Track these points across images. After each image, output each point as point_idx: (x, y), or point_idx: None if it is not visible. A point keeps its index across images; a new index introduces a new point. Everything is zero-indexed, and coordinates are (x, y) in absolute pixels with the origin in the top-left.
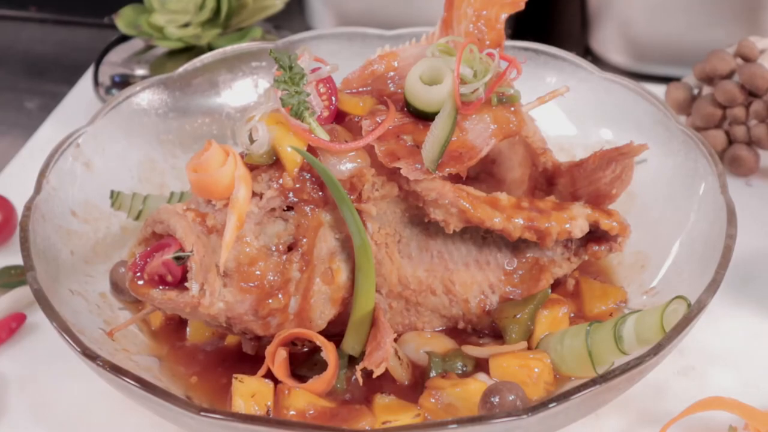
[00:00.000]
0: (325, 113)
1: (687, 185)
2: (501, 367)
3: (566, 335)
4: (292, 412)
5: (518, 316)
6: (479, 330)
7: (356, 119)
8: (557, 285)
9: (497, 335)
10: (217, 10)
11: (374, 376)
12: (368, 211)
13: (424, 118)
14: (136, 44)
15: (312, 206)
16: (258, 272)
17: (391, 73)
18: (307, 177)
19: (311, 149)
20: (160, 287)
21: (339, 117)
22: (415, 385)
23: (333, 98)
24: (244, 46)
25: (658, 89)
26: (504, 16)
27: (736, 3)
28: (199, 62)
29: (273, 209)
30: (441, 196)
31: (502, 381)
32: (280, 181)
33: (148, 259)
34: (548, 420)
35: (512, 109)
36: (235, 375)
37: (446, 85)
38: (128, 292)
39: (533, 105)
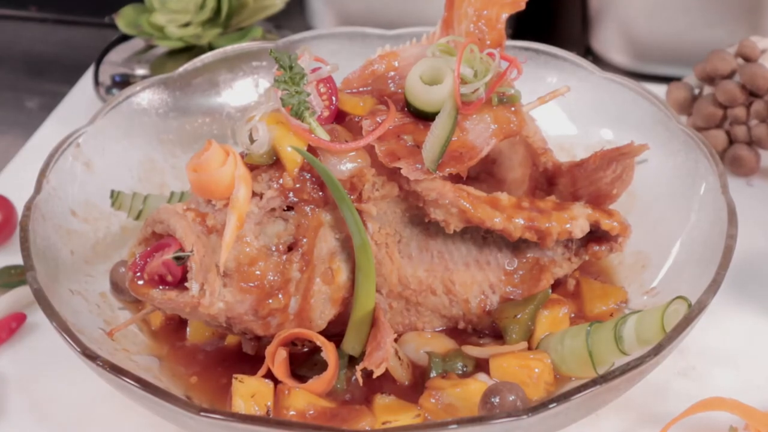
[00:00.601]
0: (326, 113)
1: (688, 185)
2: (501, 367)
3: (566, 335)
4: (292, 413)
5: (518, 316)
6: (479, 330)
7: (356, 119)
8: (558, 285)
9: (497, 335)
10: (217, 10)
11: (374, 376)
12: (368, 211)
13: (425, 118)
14: (137, 44)
15: (312, 206)
16: (258, 272)
17: (392, 73)
18: (308, 177)
19: (311, 149)
20: (160, 287)
21: (339, 117)
22: (416, 385)
23: (333, 98)
24: (244, 45)
25: (659, 89)
26: (505, 15)
27: (737, 3)
28: (199, 62)
29: (273, 209)
30: (441, 196)
31: (503, 381)
32: (281, 181)
33: (148, 259)
34: (548, 420)
35: (513, 109)
36: (235, 375)
37: (447, 85)
38: (128, 292)
39: (534, 105)
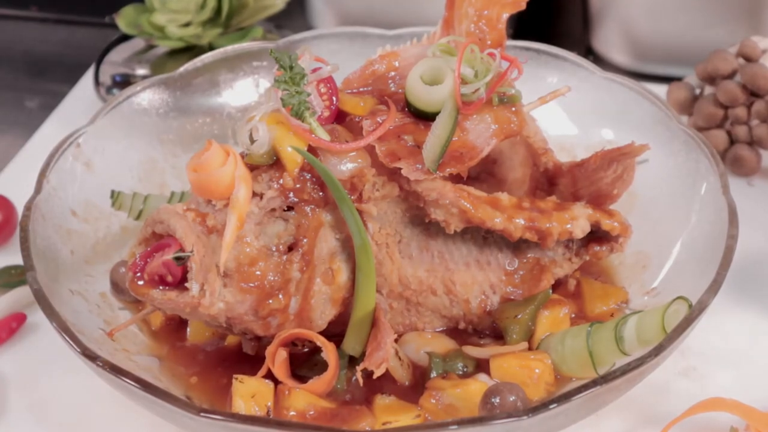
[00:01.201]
0: (326, 113)
1: (688, 185)
2: (502, 367)
3: (567, 336)
4: (292, 413)
5: (519, 316)
6: (480, 330)
7: (357, 119)
8: (558, 285)
9: (498, 336)
10: (218, 10)
11: (375, 376)
12: (369, 211)
13: (425, 118)
14: (137, 44)
15: (312, 206)
16: (258, 272)
17: (392, 73)
18: (308, 177)
19: (312, 149)
20: (160, 287)
21: (340, 117)
22: (416, 385)
23: (334, 98)
24: (244, 45)
25: (660, 89)
26: (505, 15)
27: (737, 3)
28: (199, 62)
29: (273, 209)
30: (442, 196)
31: (503, 382)
32: (281, 181)
33: (148, 259)
34: (549, 421)
35: (513, 109)
36: (235, 375)
37: (447, 85)
38: (128, 292)
39: (534, 105)
